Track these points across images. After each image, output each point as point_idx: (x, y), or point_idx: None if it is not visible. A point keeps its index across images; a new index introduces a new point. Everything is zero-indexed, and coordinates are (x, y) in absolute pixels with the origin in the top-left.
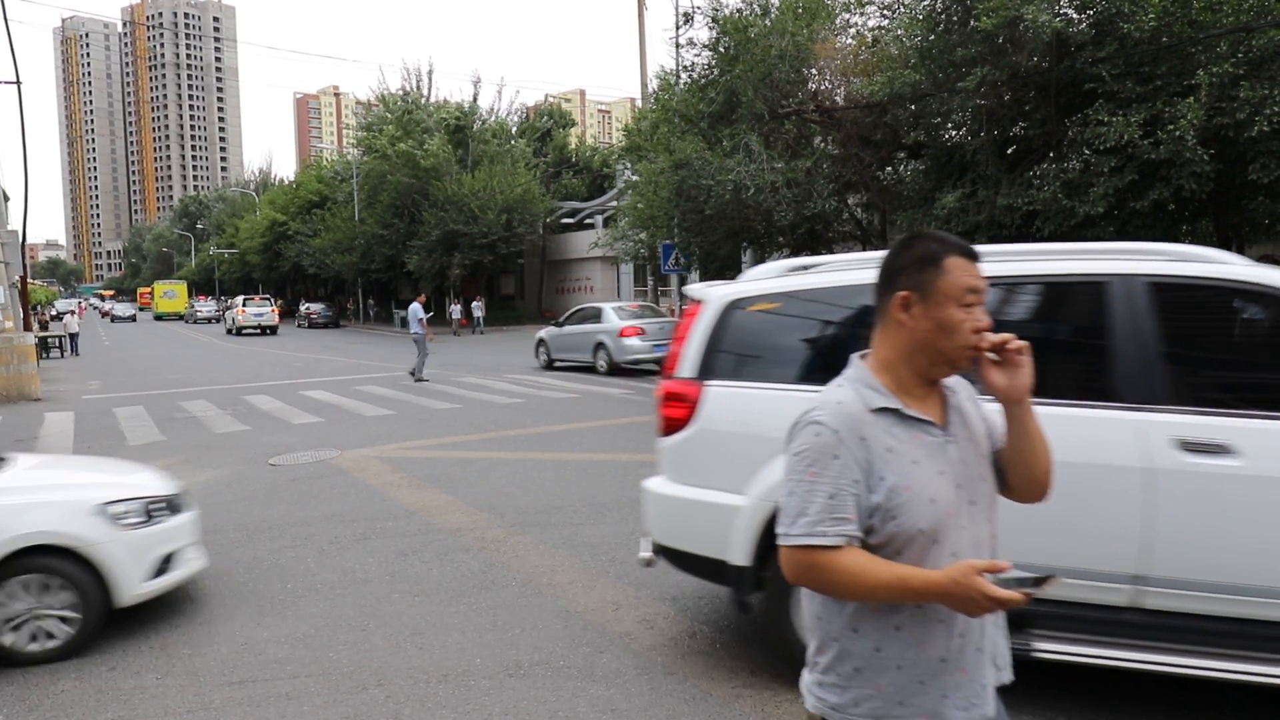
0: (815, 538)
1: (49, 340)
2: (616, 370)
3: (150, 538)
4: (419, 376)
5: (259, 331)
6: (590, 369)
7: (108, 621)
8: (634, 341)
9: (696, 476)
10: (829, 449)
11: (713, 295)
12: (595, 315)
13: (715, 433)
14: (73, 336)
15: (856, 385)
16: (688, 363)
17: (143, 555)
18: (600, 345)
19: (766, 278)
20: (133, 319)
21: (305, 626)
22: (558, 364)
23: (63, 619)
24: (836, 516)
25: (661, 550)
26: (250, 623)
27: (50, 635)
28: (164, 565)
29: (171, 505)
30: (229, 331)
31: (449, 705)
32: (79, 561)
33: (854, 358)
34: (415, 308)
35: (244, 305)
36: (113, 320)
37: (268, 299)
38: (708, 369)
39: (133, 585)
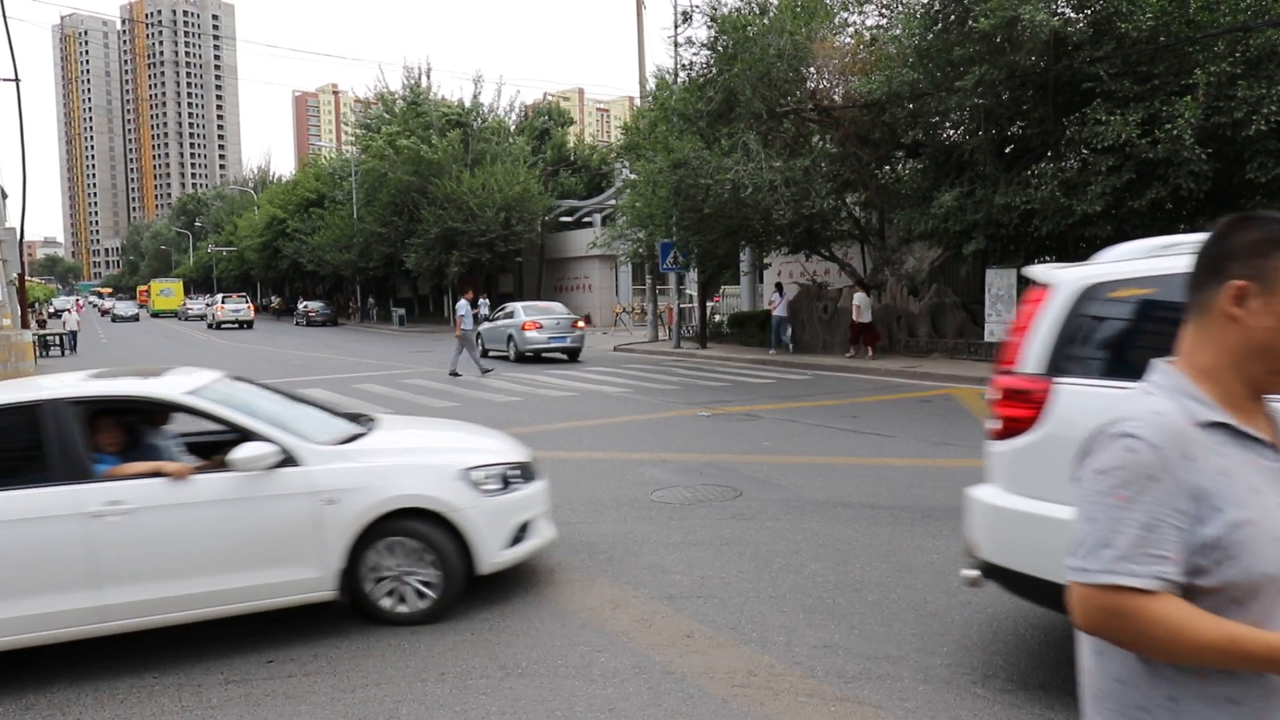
0: (1123, 576)
1: (48, 339)
2: (522, 357)
3: (508, 505)
4: (484, 368)
5: (236, 325)
6: (509, 356)
7: (469, 588)
8: (532, 334)
9: (1042, 488)
10: (1146, 468)
11: (1064, 279)
12: (510, 313)
13: (1069, 439)
14: (72, 334)
15: (1174, 395)
16: (1032, 356)
17: (501, 523)
18: (510, 337)
19: (1132, 258)
20: (135, 319)
21: (303, 625)
22: (490, 353)
23: (426, 583)
24: (1152, 553)
25: (992, 570)
26: (247, 621)
27: (418, 597)
28: (519, 534)
29: (526, 473)
30: (209, 326)
31: (447, 704)
32: (444, 526)
33: (1160, 364)
34: (463, 304)
35: (223, 302)
36: (114, 320)
37: (244, 297)
38: (1059, 364)
39: (492, 554)
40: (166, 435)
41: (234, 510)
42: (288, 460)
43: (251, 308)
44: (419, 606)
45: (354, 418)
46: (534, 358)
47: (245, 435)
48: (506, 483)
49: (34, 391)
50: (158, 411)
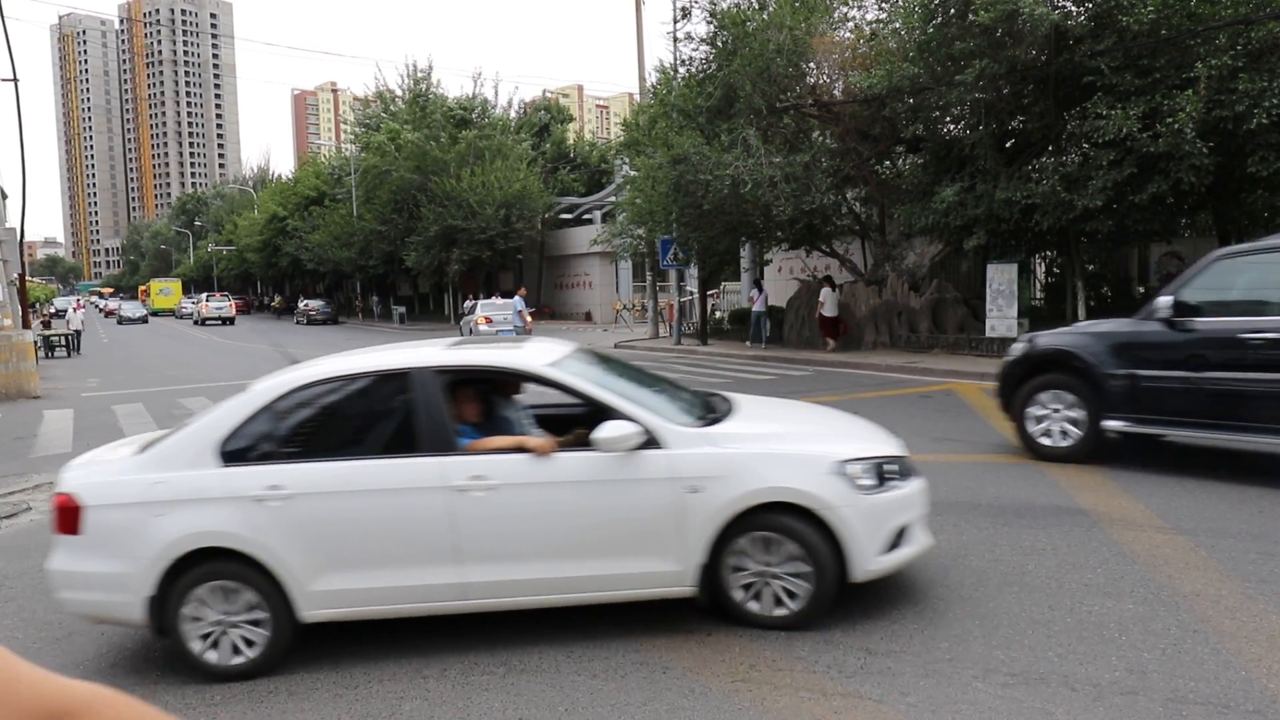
0: None
1: (53, 339)
2: None
3: (886, 505)
4: None
5: (220, 321)
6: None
7: (839, 596)
8: (484, 327)
9: None
10: None
11: None
12: (472, 309)
13: None
14: (76, 334)
15: None
16: None
17: (879, 525)
18: (471, 329)
19: None
20: (144, 320)
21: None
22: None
23: (793, 585)
24: None
25: None
26: None
27: (775, 603)
28: (896, 539)
29: (903, 468)
30: (195, 322)
31: (449, 701)
32: (815, 524)
33: None
34: (517, 300)
35: (207, 300)
36: (119, 322)
37: (225, 296)
38: None
39: (867, 558)
40: (518, 407)
41: (595, 492)
42: (650, 442)
43: (234, 305)
44: (781, 611)
45: (709, 397)
46: None
47: (604, 412)
48: (883, 479)
49: (400, 360)
50: (513, 383)
